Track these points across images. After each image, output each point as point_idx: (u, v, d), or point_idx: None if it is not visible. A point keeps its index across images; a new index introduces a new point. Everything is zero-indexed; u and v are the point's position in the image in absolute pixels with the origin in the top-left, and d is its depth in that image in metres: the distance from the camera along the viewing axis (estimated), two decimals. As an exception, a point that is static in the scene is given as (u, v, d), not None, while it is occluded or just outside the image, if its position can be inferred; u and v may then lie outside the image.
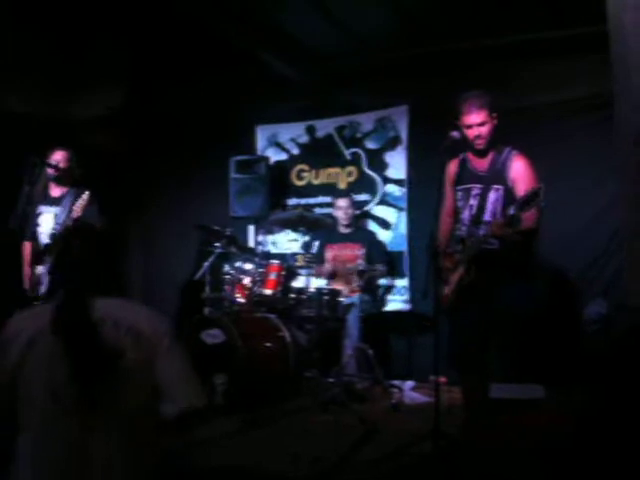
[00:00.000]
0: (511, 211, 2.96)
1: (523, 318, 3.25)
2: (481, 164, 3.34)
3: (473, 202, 3.30)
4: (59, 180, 4.30)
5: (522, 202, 2.90)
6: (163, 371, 1.71)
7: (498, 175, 3.25)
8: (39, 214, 4.32)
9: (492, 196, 3.26)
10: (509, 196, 3.21)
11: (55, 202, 4.30)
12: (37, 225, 4.33)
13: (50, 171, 4.26)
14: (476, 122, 3.20)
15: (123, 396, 1.65)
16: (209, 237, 4.85)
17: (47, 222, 4.28)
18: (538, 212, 3.07)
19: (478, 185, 3.30)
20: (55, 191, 4.34)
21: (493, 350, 3.19)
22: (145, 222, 6.37)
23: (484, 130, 3.22)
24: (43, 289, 4.20)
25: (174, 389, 1.72)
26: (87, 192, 4.03)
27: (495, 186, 3.25)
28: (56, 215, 4.23)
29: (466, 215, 3.33)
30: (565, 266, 4.60)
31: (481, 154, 3.31)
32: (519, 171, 3.22)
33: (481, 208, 3.27)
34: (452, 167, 3.45)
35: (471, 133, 3.23)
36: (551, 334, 4.27)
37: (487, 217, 3.26)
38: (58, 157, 4.28)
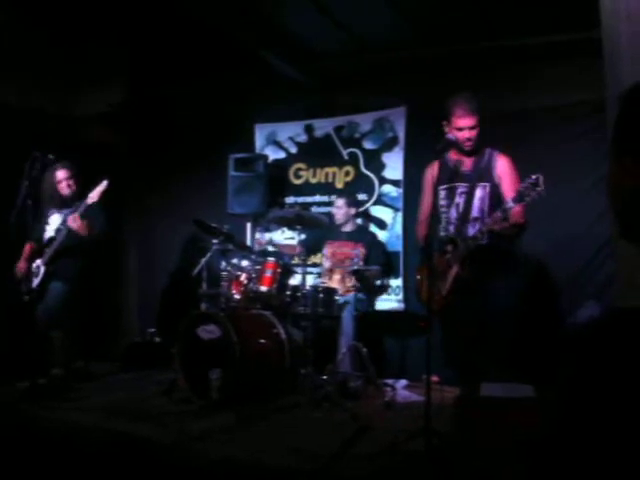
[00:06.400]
0: (509, 204, 3.04)
1: (512, 313, 3.35)
2: (465, 164, 3.42)
3: (459, 200, 3.38)
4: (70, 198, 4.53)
5: (520, 194, 2.97)
6: None
7: (483, 173, 3.36)
8: (49, 216, 4.56)
9: (479, 193, 3.35)
10: (495, 192, 3.32)
11: (65, 205, 4.53)
12: (47, 224, 4.53)
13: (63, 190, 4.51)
14: (468, 125, 3.33)
15: None
16: (206, 233, 4.88)
17: (55, 221, 4.51)
18: (524, 207, 3.15)
19: (463, 184, 3.38)
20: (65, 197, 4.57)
21: (487, 346, 3.28)
22: (144, 218, 6.39)
23: (474, 133, 3.35)
24: (36, 282, 4.32)
25: None
26: (106, 180, 4.18)
27: (481, 184, 3.35)
28: (65, 215, 4.42)
29: (453, 214, 3.40)
30: (560, 269, 4.64)
31: (467, 154, 3.41)
32: (504, 168, 3.35)
33: (468, 205, 3.35)
34: (433, 169, 3.50)
35: (462, 135, 3.34)
36: (536, 330, 4.33)
37: (475, 214, 3.34)
38: (61, 176, 4.49)
